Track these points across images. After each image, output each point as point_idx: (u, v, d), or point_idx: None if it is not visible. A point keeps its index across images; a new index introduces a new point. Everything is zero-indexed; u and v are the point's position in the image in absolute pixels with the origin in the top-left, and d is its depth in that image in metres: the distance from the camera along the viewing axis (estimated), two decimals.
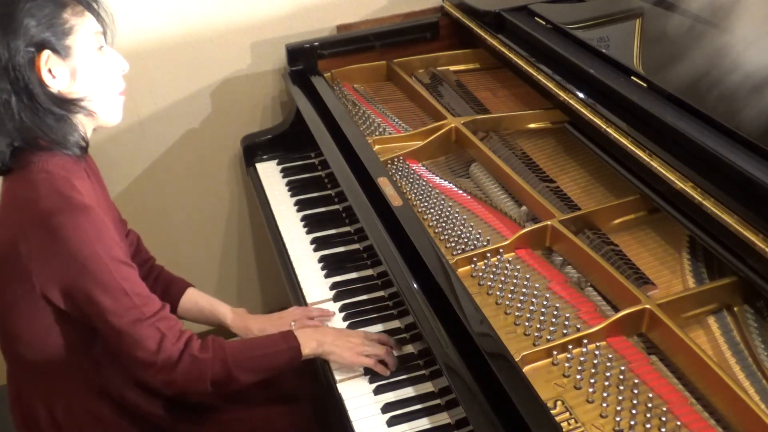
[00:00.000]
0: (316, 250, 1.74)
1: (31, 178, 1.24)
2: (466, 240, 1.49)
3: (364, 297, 1.60)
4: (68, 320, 1.29)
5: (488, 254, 1.44)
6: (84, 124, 1.32)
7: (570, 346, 1.23)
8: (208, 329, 1.72)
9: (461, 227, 1.53)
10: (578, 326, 1.28)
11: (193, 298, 1.63)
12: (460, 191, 1.66)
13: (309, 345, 1.40)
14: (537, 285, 1.37)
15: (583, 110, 1.53)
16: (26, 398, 1.39)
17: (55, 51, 1.22)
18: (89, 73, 1.27)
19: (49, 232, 1.20)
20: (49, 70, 1.23)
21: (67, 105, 1.26)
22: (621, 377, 1.19)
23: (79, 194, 1.24)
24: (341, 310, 1.57)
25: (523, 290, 1.36)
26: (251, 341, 1.42)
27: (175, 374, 1.29)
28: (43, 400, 1.37)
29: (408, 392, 1.37)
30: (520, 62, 1.75)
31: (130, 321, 1.25)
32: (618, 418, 1.13)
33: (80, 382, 1.37)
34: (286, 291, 1.70)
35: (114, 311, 1.24)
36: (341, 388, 1.39)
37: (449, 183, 1.68)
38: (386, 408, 1.33)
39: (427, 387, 1.37)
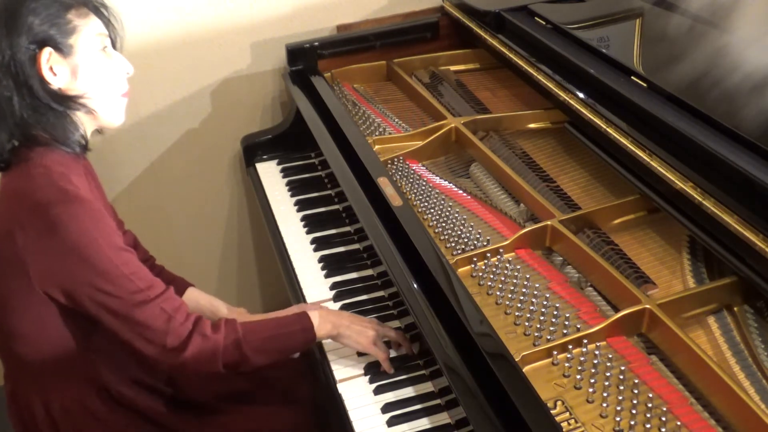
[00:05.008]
0: (316, 250, 1.74)
1: (29, 172, 1.25)
2: (466, 240, 1.49)
3: (364, 297, 1.60)
4: (65, 314, 1.29)
5: (488, 254, 1.44)
6: (84, 123, 1.32)
7: (570, 346, 1.23)
8: None
9: (461, 227, 1.53)
10: (578, 326, 1.28)
11: (193, 298, 1.62)
12: (460, 191, 1.66)
13: (324, 327, 1.39)
14: (537, 285, 1.37)
15: (583, 110, 1.53)
16: (22, 396, 1.39)
17: (57, 49, 1.23)
18: (90, 72, 1.28)
19: (45, 223, 1.20)
20: (51, 68, 1.24)
21: (67, 101, 1.27)
22: (621, 377, 1.19)
23: (75, 187, 1.24)
24: (341, 310, 1.57)
25: (523, 290, 1.36)
26: (265, 322, 1.38)
27: (185, 355, 1.27)
28: (39, 397, 1.37)
29: (408, 392, 1.37)
30: (520, 62, 1.75)
31: (135, 304, 1.24)
32: (618, 418, 1.13)
33: (76, 379, 1.37)
34: (286, 291, 1.70)
35: (118, 296, 1.23)
36: (341, 388, 1.39)
37: (449, 183, 1.68)
38: (386, 408, 1.33)
39: (427, 387, 1.37)
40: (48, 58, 1.23)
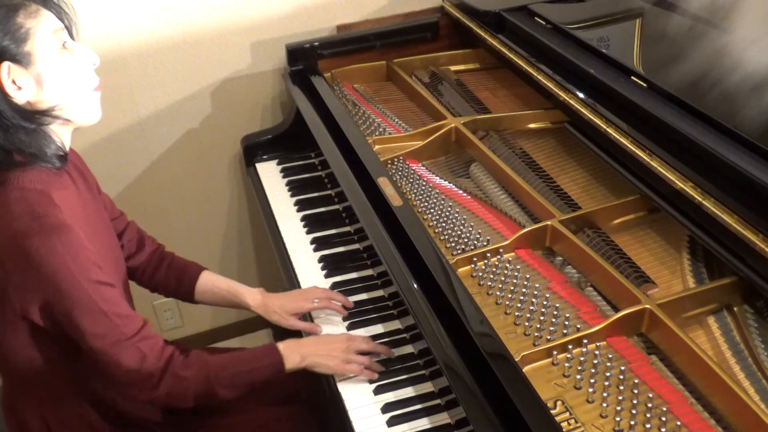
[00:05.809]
0: (316, 250, 1.74)
1: (5, 196, 1.20)
2: (466, 240, 1.49)
3: (364, 297, 1.60)
4: (54, 335, 1.28)
5: (488, 254, 1.44)
6: (59, 133, 1.26)
7: (570, 346, 1.23)
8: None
9: (461, 227, 1.53)
10: (578, 326, 1.28)
11: (209, 282, 1.61)
12: (460, 191, 1.66)
13: (292, 359, 1.38)
14: (537, 285, 1.37)
15: (583, 110, 1.53)
16: (19, 409, 1.38)
17: (15, 60, 1.16)
18: (56, 77, 1.20)
19: (22, 254, 1.17)
20: (13, 81, 1.16)
21: (38, 117, 1.20)
22: (621, 377, 1.19)
23: (54, 211, 1.19)
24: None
25: (523, 290, 1.36)
26: (235, 356, 1.39)
27: (158, 392, 1.28)
28: (37, 411, 1.36)
29: (408, 392, 1.37)
30: (520, 62, 1.75)
31: (110, 342, 1.23)
32: (618, 418, 1.13)
33: (72, 393, 1.36)
34: (286, 291, 1.70)
35: (94, 333, 1.22)
36: (341, 388, 1.39)
37: (449, 183, 1.68)
38: (386, 408, 1.33)
39: (427, 387, 1.37)
40: (8, 71, 1.15)
